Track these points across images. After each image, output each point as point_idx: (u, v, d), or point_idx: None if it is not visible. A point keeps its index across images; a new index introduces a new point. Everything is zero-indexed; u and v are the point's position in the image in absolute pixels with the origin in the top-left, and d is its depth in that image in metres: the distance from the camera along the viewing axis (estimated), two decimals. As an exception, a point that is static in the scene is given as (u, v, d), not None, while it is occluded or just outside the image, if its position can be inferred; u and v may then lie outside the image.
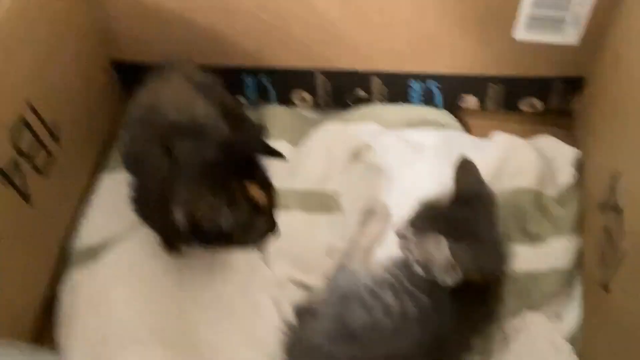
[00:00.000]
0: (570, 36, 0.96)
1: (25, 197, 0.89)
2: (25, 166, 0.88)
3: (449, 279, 0.75)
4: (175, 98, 0.88)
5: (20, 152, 0.88)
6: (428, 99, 1.11)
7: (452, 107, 1.11)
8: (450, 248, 0.74)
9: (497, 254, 0.79)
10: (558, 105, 1.08)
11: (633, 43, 0.83)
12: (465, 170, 0.81)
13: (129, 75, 1.13)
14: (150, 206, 0.84)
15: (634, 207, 0.71)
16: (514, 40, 0.98)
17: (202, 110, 0.87)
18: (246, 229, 0.80)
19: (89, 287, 0.94)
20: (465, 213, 0.79)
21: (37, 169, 0.92)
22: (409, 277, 0.81)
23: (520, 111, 1.10)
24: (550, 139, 1.05)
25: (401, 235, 0.83)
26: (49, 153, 0.95)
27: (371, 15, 1.00)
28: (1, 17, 0.83)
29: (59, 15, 0.96)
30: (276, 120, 1.13)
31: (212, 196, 0.75)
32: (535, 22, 0.95)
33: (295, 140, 1.11)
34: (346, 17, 1.01)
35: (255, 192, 0.79)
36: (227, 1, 1.02)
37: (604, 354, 0.77)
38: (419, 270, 0.80)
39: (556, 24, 0.95)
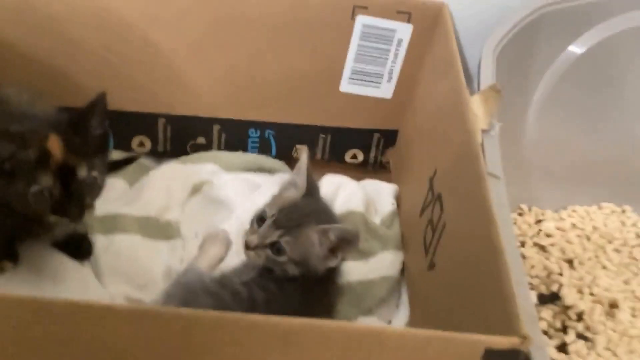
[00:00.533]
0: (386, 90, 1.14)
1: None
2: None
3: (333, 261, 0.82)
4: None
5: None
6: (264, 148, 1.20)
7: (286, 156, 1.21)
8: (336, 234, 0.80)
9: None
10: (376, 156, 1.23)
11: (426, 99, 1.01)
12: (308, 167, 0.89)
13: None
14: None
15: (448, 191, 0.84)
16: (340, 93, 1.14)
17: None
18: (26, 172, 0.74)
19: None
20: (318, 202, 0.88)
21: None
22: (258, 274, 0.84)
23: (345, 163, 1.23)
24: (372, 181, 1.18)
25: (255, 245, 0.85)
26: None
27: (215, 63, 1.10)
28: None
29: None
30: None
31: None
32: (357, 75, 1.12)
33: (133, 181, 1.12)
34: (191, 63, 1.09)
35: (55, 146, 0.76)
36: (71, 38, 1.03)
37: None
38: (289, 268, 0.82)
39: (375, 78, 1.12)
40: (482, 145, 0.79)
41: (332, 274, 0.87)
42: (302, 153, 0.88)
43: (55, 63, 1.06)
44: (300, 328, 0.57)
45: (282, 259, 0.82)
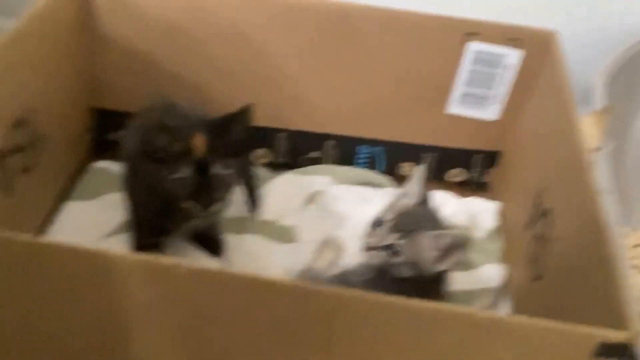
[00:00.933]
0: (491, 112, 1.21)
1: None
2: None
3: (445, 264, 0.88)
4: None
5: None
6: (373, 164, 1.29)
7: (392, 173, 1.30)
8: (450, 237, 0.86)
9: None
10: (476, 175, 1.30)
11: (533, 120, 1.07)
12: (422, 177, 0.97)
13: (109, 122, 1.24)
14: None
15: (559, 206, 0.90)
16: (446, 114, 1.22)
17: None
18: (172, 161, 0.86)
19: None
20: (430, 211, 0.94)
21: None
22: (374, 275, 0.93)
23: (445, 181, 1.30)
24: (474, 198, 1.25)
25: (374, 246, 0.93)
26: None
27: (331, 83, 1.20)
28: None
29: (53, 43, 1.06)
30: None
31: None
32: (465, 98, 1.20)
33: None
34: (311, 83, 1.20)
35: (199, 142, 0.88)
36: (214, 60, 1.18)
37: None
38: (403, 269, 0.90)
39: (482, 101, 1.20)
40: (594, 162, 0.84)
41: (438, 283, 0.94)
42: (420, 167, 0.97)
43: (199, 80, 1.20)
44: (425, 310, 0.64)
45: (397, 260, 0.90)
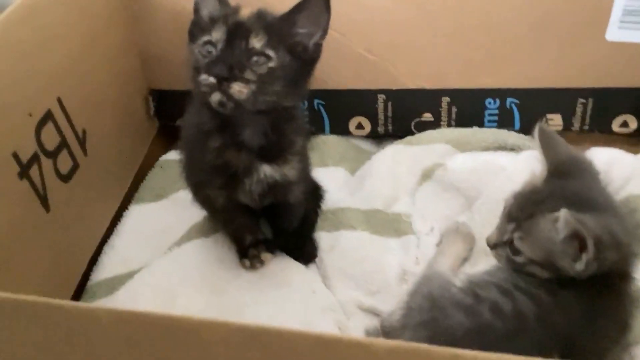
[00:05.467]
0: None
1: (43, 201, 0.79)
2: (47, 167, 0.80)
3: (580, 263, 0.62)
4: None
5: (44, 150, 0.80)
6: (505, 121, 1.03)
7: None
8: (572, 219, 0.61)
9: (624, 224, 0.66)
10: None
11: None
12: (549, 139, 0.71)
13: (167, 104, 1.08)
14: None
15: None
16: (606, 42, 0.92)
17: None
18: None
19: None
20: (570, 184, 0.68)
21: (59, 174, 0.83)
22: (520, 278, 0.68)
23: (613, 133, 1.01)
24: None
25: (494, 243, 0.71)
26: (74, 161, 0.86)
27: (441, 21, 0.95)
28: (42, 5, 0.80)
29: (97, 21, 0.93)
30: (330, 150, 1.05)
31: None
32: (632, 17, 0.90)
33: (354, 169, 1.04)
34: (412, 24, 0.96)
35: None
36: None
37: None
38: (535, 270, 0.67)
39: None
40: None
41: (624, 279, 0.68)
42: (539, 126, 0.71)
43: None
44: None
45: (520, 259, 0.67)
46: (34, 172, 0.77)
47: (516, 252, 0.68)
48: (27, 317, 0.44)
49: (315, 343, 0.39)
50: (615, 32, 0.91)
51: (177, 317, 0.41)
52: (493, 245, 0.72)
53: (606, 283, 0.66)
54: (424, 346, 0.39)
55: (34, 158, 0.78)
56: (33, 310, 0.44)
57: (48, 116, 0.81)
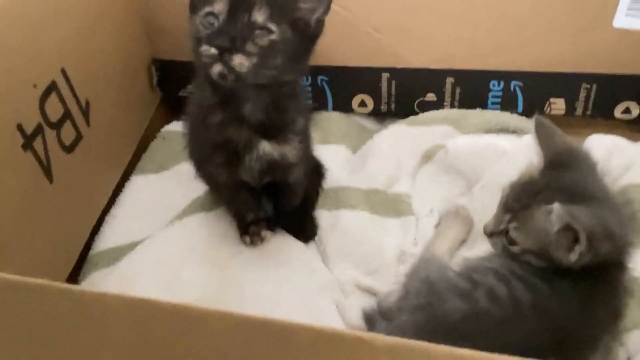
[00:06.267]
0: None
1: (47, 172, 0.80)
2: (51, 138, 0.80)
3: (573, 254, 0.63)
4: None
5: (47, 121, 0.80)
6: (508, 104, 1.03)
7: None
8: (564, 213, 0.62)
9: (619, 215, 0.67)
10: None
11: None
12: (545, 130, 0.72)
13: (170, 74, 1.07)
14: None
15: None
16: (612, 29, 0.92)
17: None
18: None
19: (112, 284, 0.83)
20: (566, 175, 0.69)
21: (63, 145, 0.84)
22: (516, 265, 0.69)
23: (615, 119, 1.02)
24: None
25: (491, 232, 0.72)
26: (77, 132, 0.87)
27: (450, 3, 0.95)
28: None
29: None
30: (333, 127, 1.05)
31: None
32: (639, 5, 0.89)
33: (355, 147, 1.04)
34: (421, 4, 0.96)
35: None
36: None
37: None
38: (530, 259, 0.68)
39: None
40: None
41: (618, 269, 0.69)
42: (536, 118, 0.71)
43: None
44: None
45: (515, 249, 0.69)
46: (37, 143, 0.78)
47: (512, 241, 0.69)
48: (34, 300, 0.45)
49: (318, 337, 0.41)
50: (622, 19, 0.91)
51: (185, 305, 0.42)
52: (490, 234, 0.73)
53: (601, 272, 0.67)
54: (424, 344, 0.40)
55: (38, 129, 0.78)
56: (41, 293, 0.45)
57: (52, 87, 0.81)
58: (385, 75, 1.03)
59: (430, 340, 0.55)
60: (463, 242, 0.88)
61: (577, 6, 0.92)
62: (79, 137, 0.87)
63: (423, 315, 0.69)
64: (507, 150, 0.95)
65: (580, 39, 0.95)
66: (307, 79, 1.05)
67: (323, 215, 0.90)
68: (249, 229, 0.86)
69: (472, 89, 1.03)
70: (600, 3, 0.91)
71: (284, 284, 0.81)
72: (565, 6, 0.92)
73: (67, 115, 0.84)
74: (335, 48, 1.00)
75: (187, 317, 0.43)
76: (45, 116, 0.80)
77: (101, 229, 0.93)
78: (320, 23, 0.72)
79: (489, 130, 1.01)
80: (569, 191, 0.67)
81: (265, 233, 0.87)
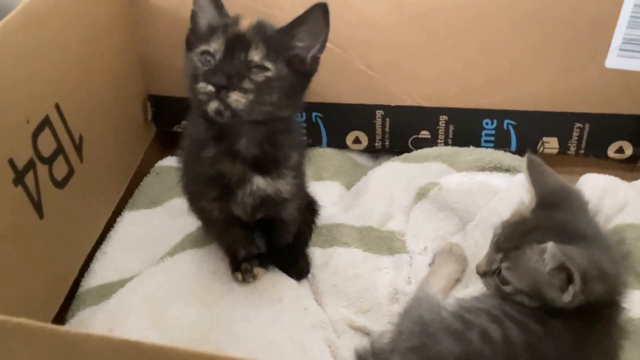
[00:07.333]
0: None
1: (37, 207, 0.79)
2: (42, 174, 0.80)
3: (567, 295, 0.63)
4: None
5: (39, 156, 0.80)
6: (501, 142, 1.03)
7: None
8: (559, 252, 0.62)
9: (612, 255, 0.66)
10: (652, 150, 1.01)
11: None
12: (537, 168, 0.72)
13: (165, 110, 1.08)
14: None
15: None
16: (605, 69, 0.93)
17: None
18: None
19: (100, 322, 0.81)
20: (558, 215, 0.68)
21: (54, 180, 0.83)
22: (509, 306, 0.69)
23: (608, 158, 1.02)
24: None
25: (483, 272, 0.72)
26: (70, 167, 0.86)
27: (443, 42, 0.96)
28: (41, 11, 0.80)
29: (97, 27, 0.93)
30: (327, 163, 1.06)
31: None
32: (631, 46, 0.91)
33: (349, 184, 1.04)
34: (413, 44, 0.97)
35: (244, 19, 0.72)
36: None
37: None
38: (523, 300, 0.67)
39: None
40: None
41: (613, 309, 0.69)
42: (528, 157, 0.72)
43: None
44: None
45: (508, 289, 0.68)
46: (29, 178, 0.77)
47: (504, 281, 0.69)
48: (19, 340, 0.44)
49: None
50: (614, 60, 0.92)
51: (171, 347, 0.41)
52: (482, 274, 0.73)
53: (595, 313, 0.66)
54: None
55: (30, 164, 0.78)
56: (25, 334, 0.44)
57: (45, 122, 0.81)
58: (379, 112, 1.04)
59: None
60: (458, 280, 0.87)
61: (569, 46, 0.93)
62: (71, 173, 0.86)
63: (416, 356, 0.68)
64: (500, 188, 0.95)
65: (573, 78, 0.96)
66: (302, 116, 1.06)
67: (316, 253, 0.90)
68: (241, 266, 0.86)
69: (465, 127, 1.03)
70: (592, 43, 0.92)
71: (275, 322, 0.80)
72: (558, 46, 0.94)
73: (59, 150, 0.84)
74: (329, 85, 1.01)
75: (173, 359, 0.42)
76: (38, 151, 0.79)
77: (91, 265, 0.92)
78: (316, 60, 0.73)
79: (482, 168, 1.01)
80: (560, 231, 0.67)
81: (258, 270, 0.86)
